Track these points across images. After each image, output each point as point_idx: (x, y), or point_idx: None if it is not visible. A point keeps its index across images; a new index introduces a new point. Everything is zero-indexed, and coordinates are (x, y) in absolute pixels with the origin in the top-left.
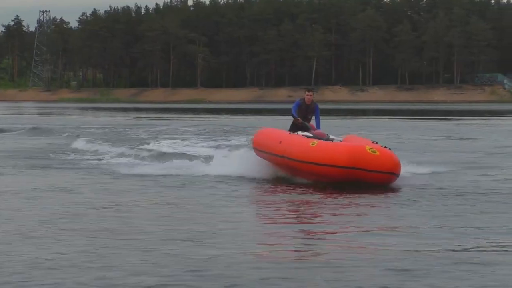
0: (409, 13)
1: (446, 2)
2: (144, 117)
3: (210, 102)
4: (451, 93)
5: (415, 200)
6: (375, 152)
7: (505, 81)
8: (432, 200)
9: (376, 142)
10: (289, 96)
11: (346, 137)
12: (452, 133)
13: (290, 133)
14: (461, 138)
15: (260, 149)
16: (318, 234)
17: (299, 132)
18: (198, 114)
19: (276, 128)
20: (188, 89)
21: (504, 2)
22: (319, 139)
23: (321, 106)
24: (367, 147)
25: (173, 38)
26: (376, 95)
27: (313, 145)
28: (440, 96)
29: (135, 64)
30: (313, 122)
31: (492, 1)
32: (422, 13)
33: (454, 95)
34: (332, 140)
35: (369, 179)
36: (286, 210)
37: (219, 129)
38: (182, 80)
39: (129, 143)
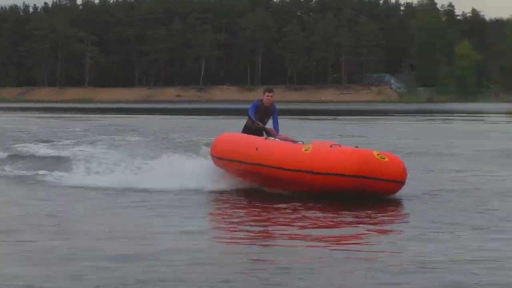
0: (299, 13)
1: (335, 2)
2: (33, 117)
3: (98, 101)
4: (339, 93)
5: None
6: (384, 158)
7: (392, 81)
8: None
9: (303, 142)
10: (178, 95)
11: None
12: (344, 133)
13: (266, 138)
14: (352, 136)
15: (224, 158)
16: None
17: (265, 139)
18: (86, 113)
19: (242, 134)
20: (76, 88)
21: (392, 3)
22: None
23: (211, 106)
24: (375, 153)
25: (61, 37)
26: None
27: (308, 151)
28: (328, 96)
29: (23, 63)
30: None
31: (381, 2)
32: (311, 14)
33: (341, 95)
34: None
35: (376, 189)
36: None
37: (113, 128)
38: (70, 79)
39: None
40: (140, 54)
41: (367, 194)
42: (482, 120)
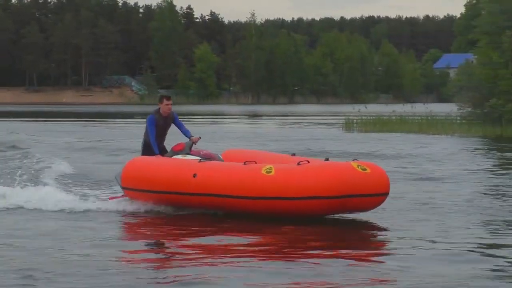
0: (37, 15)
1: (74, 4)
2: None
3: None
4: (79, 95)
5: None
6: (365, 169)
7: (133, 83)
8: None
9: (294, 154)
10: None
11: (226, 153)
12: (90, 135)
13: (200, 160)
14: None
15: (148, 190)
16: None
17: (178, 157)
18: None
19: (162, 157)
20: None
21: (131, 5)
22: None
23: None
24: (354, 164)
25: None
26: (2, 97)
27: (271, 173)
28: (69, 98)
29: None
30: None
31: (120, 4)
32: (50, 15)
33: (82, 97)
34: (222, 160)
35: (359, 207)
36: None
37: None
38: None
39: None
40: None
41: (350, 213)
42: (222, 121)
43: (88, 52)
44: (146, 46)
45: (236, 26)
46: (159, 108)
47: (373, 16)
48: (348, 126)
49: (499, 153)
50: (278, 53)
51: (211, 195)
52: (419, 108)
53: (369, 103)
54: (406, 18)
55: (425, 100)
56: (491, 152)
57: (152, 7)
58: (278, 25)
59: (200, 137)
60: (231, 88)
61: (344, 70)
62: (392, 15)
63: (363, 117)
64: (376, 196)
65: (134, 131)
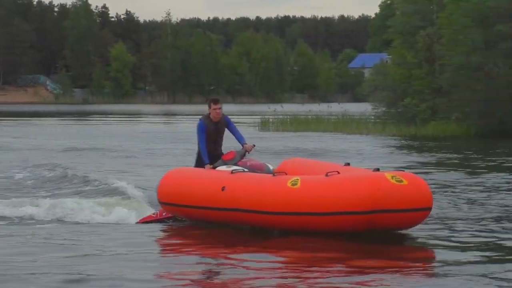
0: None
1: None
2: None
3: None
4: None
5: None
6: (401, 181)
7: (48, 83)
8: None
9: (349, 164)
10: None
11: (285, 163)
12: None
13: (232, 172)
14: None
15: (181, 204)
16: None
17: (222, 168)
18: None
19: (197, 168)
20: None
21: (46, 4)
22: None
23: None
24: (388, 175)
25: None
26: None
27: (296, 186)
28: None
29: None
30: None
31: (35, 3)
32: None
33: None
34: (272, 171)
35: (396, 223)
36: None
37: None
38: None
39: None
40: None
41: (384, 230)
42: (138, 121)
43: (2, 51)
44: (61, 45)
45: (152, 26)
46: (209, 113)
47: (288, 16)
48: (264, 125)
49: (413, 152)
50: (193, 52)
51: (237, 210)
52: (335, 108)
53: (285, 102)
54: (321, 18)
55: (340, 99)
56: (404, 151)
57: (67, 6)
58: (194, 24)
59: (254, 145)
60: (146, 88)
61: (260, 69)
62: (308, 15)
63: (279, 117)
64: (414, 211)
65: (54, 130)
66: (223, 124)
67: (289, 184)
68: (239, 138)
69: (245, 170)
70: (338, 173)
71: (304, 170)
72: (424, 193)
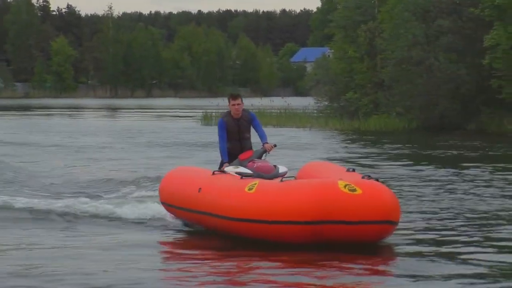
0: None
1: None
2: None
3: None
4: None
5: None
6: (354, 190)
7: None
8: None
9: (353, 170)
10: None
11: (306, 166)
12: None
13: (214, 172)
14: None
15: (171, 204)
16: None
17: (228, 168)
18: None
19: (196, 167)
20: None
21: None
22: (260, 176)
23: None
24: (341, 183)
25: None
26: None
27: (251, 190)
28: None
29: None
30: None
31: None
32: None
33: None
34: (282, 175)
35: (350, 236)
36: None
37: None
38: None
39: None
40: None
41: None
42: (80, 115)
43: None
44: (1, 39)
45: (93, 19)
46: (230, 110)
47: (230, 10)
48: (206, 119)
49: (355, 145)
50: (135, 46)
51: (206, 213)
52: (278, 102)
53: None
54: (263, 12)
55: (282, 94)
56: (346, 144)
57: (8, 0)
58: (136, 18)
59: (275, 145)
60: (88, 82)
61: (202, 63)
62: (249, 9)
63: (221, 111)
64: (366, 224)
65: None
66: (246, 120)
67: (246, 189)
68: (261, 136)
69: (250, 172)
70: (295, 178)
71: (320, 173)
72: (380, 205)
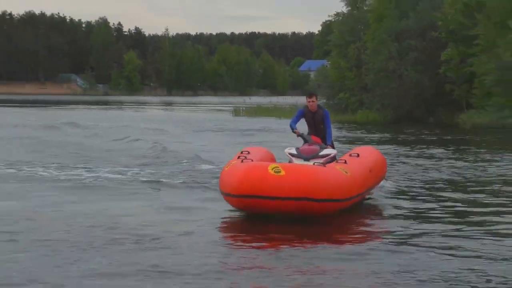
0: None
1: (33, 20)
2: None
3: None
4: (38, 88)
5: None
6: (279, 171)
7: (78, 80)
8: None
9: (358, 155)
10: None
11: (356, 149)
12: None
13: (240, 158)
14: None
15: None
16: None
17: (288, 149)
18: None
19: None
20: None
21: (76, 21)
22: (302, 157)
23: None
24: (271, 166)
25: None
26: None
27: (227, 169)
28: (29, 90)
29: None
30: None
31: (68, 20)
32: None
33: (40, 89)
34: (322, 157)
35: (276, 209)
36: None
37: None
38: None
39: None
40: None
41: (277, 214)
42: (144, 109)
43: (44, 57)
44: (87, 52)
45: (155, 38)
46: (307, 105)
47: (254, 32)
48: (237, 112)
49: (344, 132)
50: (185, 59)
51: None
52: (289, 100)
53: (252, 95)
54: (279, 34)
55: (293, 94)
56: (339, 131)
57: (92, 23)
58: (185, 38)
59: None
60: (151, 84)
61: (234, 72)
62: (269, 31)
63: (248, 106)
64: (285, 199)
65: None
66: (320, 115)
67: (226, 168)
68: (328, 137)
69: (295, 153)
70: (252, 160)
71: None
72: (299, 184)
